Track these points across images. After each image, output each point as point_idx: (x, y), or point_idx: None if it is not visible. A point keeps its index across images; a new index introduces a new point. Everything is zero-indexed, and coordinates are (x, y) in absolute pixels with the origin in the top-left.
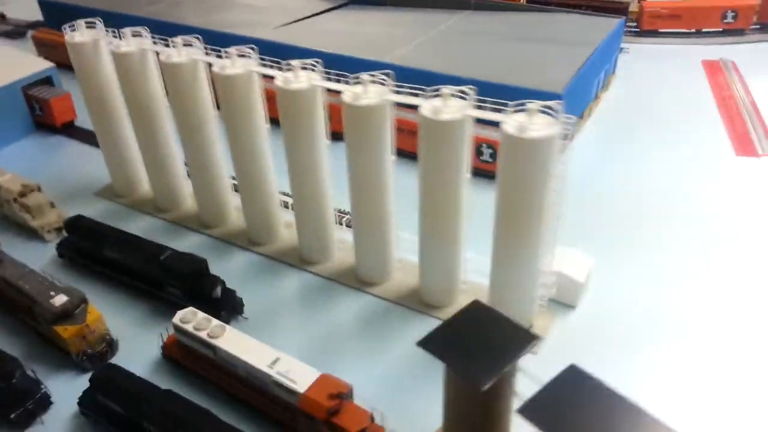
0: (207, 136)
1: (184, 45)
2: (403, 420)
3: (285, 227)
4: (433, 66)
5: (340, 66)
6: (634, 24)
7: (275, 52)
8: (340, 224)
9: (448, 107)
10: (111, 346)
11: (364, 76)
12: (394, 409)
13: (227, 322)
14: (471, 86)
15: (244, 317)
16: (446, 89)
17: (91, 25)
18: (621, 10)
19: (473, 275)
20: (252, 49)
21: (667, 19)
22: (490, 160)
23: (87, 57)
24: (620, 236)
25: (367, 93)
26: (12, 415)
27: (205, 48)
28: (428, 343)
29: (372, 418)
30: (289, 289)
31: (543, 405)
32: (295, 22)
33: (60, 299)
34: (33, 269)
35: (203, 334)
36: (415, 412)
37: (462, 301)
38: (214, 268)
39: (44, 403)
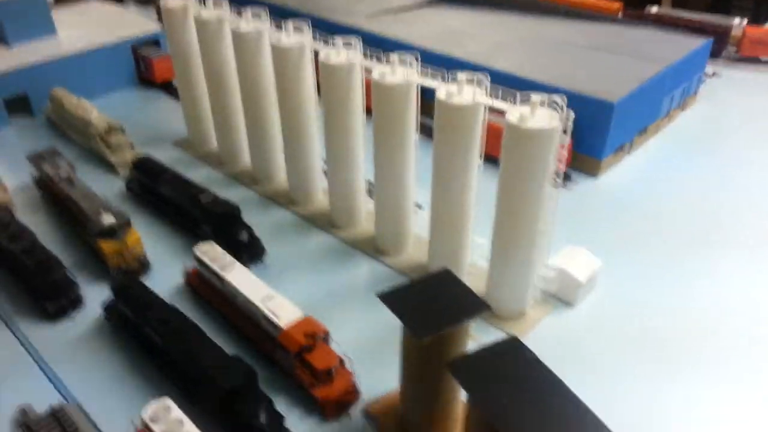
0: (305, 118)
1: (295, 29)
2: (374, 372)
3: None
4: (498, 64)
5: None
6: (735, 49)
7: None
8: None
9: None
10: (144, 266)
11: (461, 75)
12: (368, 362)
13: (247, 264)
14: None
15: (263, 264)
16: (536, 96)
17: None
18: (720, 33)
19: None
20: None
21: None
22: None
23: (176, 22)
24: (648, 249)
25: (461, 92)
26: (49, 306)
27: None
28: (387, 297)
29: (341, 362)
30: (321, 254)
31: (471, 364)
32: (386, 13)
33: (108, 218)
34: (95, 193)
35: (215, 266)
36: (387, 368)
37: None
38: (257, 219)
39: (77, 302)
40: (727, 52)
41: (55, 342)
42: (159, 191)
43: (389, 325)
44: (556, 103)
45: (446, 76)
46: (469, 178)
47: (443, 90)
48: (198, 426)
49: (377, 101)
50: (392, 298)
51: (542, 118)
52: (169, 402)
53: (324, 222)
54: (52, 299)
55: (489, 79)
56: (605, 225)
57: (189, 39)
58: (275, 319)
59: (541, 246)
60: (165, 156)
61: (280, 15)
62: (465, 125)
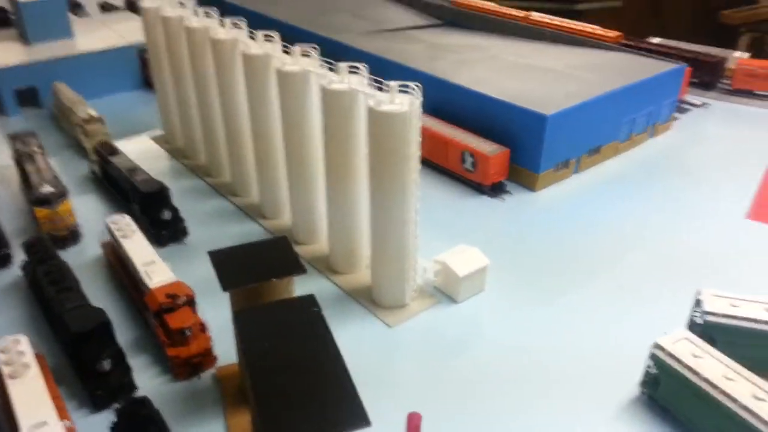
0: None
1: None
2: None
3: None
4: (462, 81)
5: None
6: (728, 81)
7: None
8: None
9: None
10: (74, 235)
11: (342, 64)
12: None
13: (165, 242)
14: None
15: (183, 243)
16: (393, 83)
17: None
18: (714, 65)
19: None
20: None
21: (763, 80)
22: (471, 168)
23: (151, 23)
24: (555, 267)
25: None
26: None
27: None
28: (217, 253)
29: (202, 328)
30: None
31: (254, 315)
32: (384, 31)
33: (46, 188)
34: (50, 169)
35: (118, 234)
36: None
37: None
38: (196, 207)
39: (4, 259)
40: (722, 84)
41: None
42: (109, 172)
43: None
44: (412, 89)
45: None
46: (352, 167)
47: (327, 80)
48: (50, 364)
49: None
50: (219, 256)
51: (400, 103)
52: (21, 338)
53: (256, 213)
54: None
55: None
56: (524, 237)
57: (177, 49)
58: (147, 280)
59: (413, 235)
60: (135, 147)
61: (265, 26)
62: (344, 110)
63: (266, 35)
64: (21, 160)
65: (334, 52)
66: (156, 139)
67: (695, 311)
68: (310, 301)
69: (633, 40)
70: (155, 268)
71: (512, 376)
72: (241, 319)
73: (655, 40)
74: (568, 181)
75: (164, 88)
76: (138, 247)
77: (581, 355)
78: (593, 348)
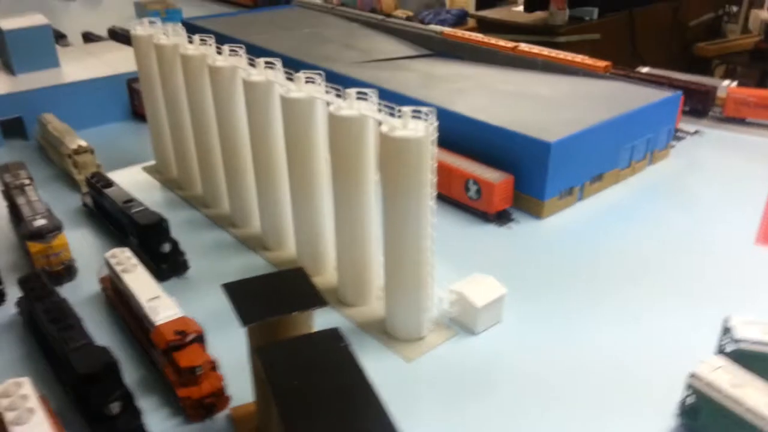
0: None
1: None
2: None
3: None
4: (455, 107)
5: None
6: (720, 109)
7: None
8: None
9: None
10: (69, 270)
11: (351, 91)
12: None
13: (166, 276)
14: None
15: (185, 277)
16: (406, 108)
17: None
18: (706, 94)
19: None
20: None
21: (754, 108)
22: (476, 197)
23: (144, 51)
24: (570, 292)
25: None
26: None
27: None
28: (232, 286)
29: (213, 366)
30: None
31: (280, 350)
32: (372, 61)
33: (40, 222)
34: (42, 202)
35: (119, 268)
36: None
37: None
38: (194, 239)
39: None
40: (713, 112)
41: None
42: (102, 204)
43: None
44: (425, 114)
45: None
46: (360, 192)
47: (335, 106)
48: (54, 407)
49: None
50: (234, 288)
51: (413, 129)
52: (23, 380)
53: (258, 244)
54: None
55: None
56: (535, 264)
57: (172, 77)
58: (152, 316)
59: (429, 265)
60: (128, 178)
61: (258, 56)
62: (354, 136)
63: (267, 62)
64: (10, 192)
65: (329, 81)
66: (148, 170)
67: (724, 339)
68: (335, 335)
69: (623, 70)
70: (160, 303)
71: (537, 410)
72: (266, 354)
73: (644, 69)
74: (573, 208)
75: (157, 117)
76: (140, 282)
77: (608, 385)
78: (619, 377)
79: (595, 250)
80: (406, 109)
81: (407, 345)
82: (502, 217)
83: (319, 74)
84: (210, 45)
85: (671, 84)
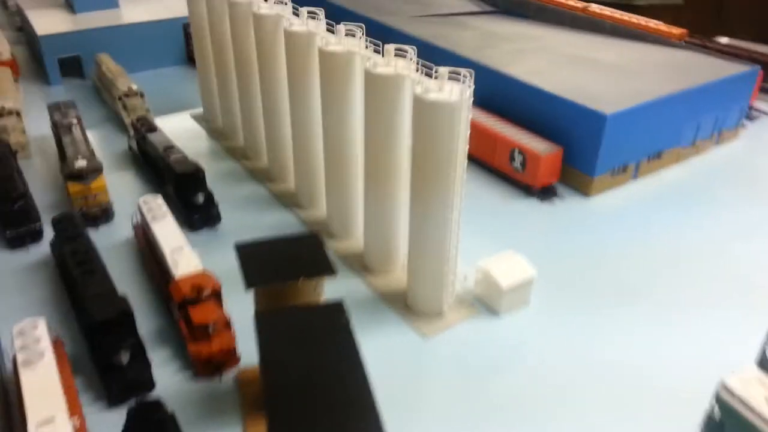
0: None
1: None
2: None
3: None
4: (515, 72)
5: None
6: None
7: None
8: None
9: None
10: (106, 213)
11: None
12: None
13: (197, 227)
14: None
15: (216, 229)
16: (444, 69)
17: None
18: None
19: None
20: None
21: None
22: (521, 168)
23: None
24: (607, 286)
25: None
26: (7, 233)
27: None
28: (244, 247)
29: (227, 324)
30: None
31: (278, 318)
32: (431, 16)
33: (81, 163)
34: (87, 142)
35: (149, 216)
36: None
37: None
38: (231, 191)
39: (35, 234)
40: None
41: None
42: (146, 149)
43: None
44: (463, 77)
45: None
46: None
47: (371, 62)
48: (69, 351)
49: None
50: (247, 250)
51: (448, 92)
52: (40, 321)
53: (292, 201)
54: (11, 227)
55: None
56: (575, 248)
57: (219, 24)
58: (172, 268)
59: (453, 238)
60: (176, 124)
61: (312, 4)
62: (389, 97)
63: (310, 12)
64: (58, 131)
65: (380, 35)
66: (196, 118)
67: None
68: (338, 308)
69: (699, 39)
70: (183, 255)
71: (550, 404)
72: (263, 321)
73: (723, 39)
74: (626, 187)
75: (205, 64)
76: (167, 231)
77: (630, 386)
78: (643, 378)
79: (642, 238)
80: (443, 70)
81: (425, 320)
82: (546, 193)
83: (360, 27)
84: None
85: (752, 57)
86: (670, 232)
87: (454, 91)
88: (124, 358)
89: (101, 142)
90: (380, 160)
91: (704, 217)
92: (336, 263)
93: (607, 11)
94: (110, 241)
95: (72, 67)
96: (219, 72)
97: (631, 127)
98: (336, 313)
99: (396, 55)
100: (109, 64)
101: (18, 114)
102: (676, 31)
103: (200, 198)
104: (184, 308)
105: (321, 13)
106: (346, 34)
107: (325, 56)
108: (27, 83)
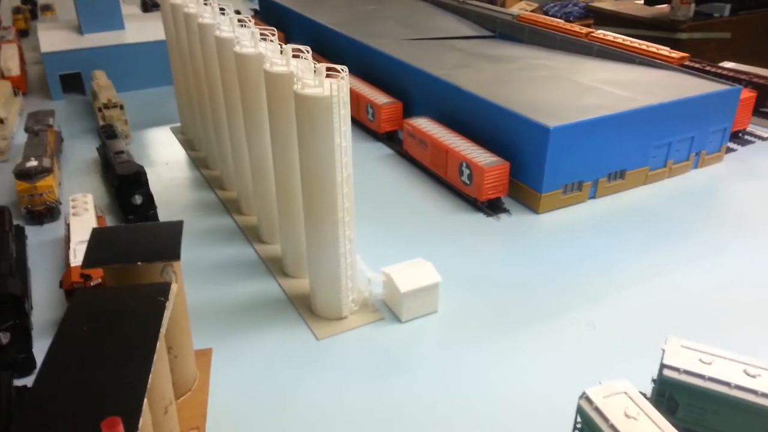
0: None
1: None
2: None
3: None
4: (465, 84)
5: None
6: None
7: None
8: None
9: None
10: (51, 211)
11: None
12: None
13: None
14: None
15: None
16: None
17: None
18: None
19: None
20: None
21: None
22: (468, 182)
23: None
24: (534, 306)
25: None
26: None
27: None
28: (102, 230)
29: None
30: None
31: (94, 298)
32: (421, 39)
33: (31, 163)
34: (48, 146)
35: (71, 210)
36: None
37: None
38: (183, 198)
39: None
40: None
41: None
42: (104, 154)
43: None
44: (338, 71)
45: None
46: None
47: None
48: None
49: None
50: (103, 233)
51: (325, 87)
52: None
53: (234, 209)
54: None
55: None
56: (506, 262)
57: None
58: (71, 257)
59: (346, 238)
60: (152, 137)
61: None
62: (283, 94)
63: (263, 33)
64: (28, 134)
65: (359, 54)
66: (174, 130)
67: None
68: (160, 289)
69: (700, 63)
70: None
71: (432, 413)
72: (81, 296)
73: (729, 65)
74: (581, 206)
75: (179, 80)
76: (82, 226)
77: (519, 402)
78: (535, 393)
79: (584, 257)
80: (321, 66)
81: (325, 323)
82: (493, 207)
83: (307, 48)
84: (228, 14)
85: (749, 81)
86: (619, 257)
87: (328, 86)
88: (4, 339)
89: (81, 149)
90: (283, 158)
91: (665, 243)
92: (258, 265)
93: (611, 36)
94: (48, 238)
95: (73, 83)
96: (185, 89)
97: (582, 142)
98: (156, 293)
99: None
100: (100, 79)
101: (2, 121)
102: (676, 55)
103: (137, 199)
104: (71, 295)
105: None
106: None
107: (269, 78)
108: (33, 98)
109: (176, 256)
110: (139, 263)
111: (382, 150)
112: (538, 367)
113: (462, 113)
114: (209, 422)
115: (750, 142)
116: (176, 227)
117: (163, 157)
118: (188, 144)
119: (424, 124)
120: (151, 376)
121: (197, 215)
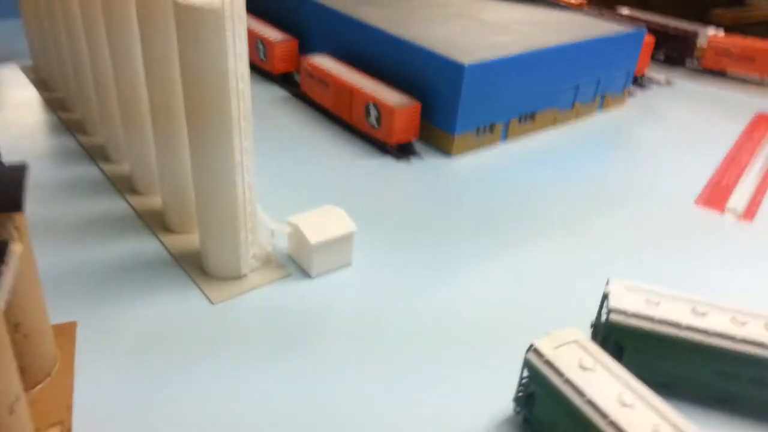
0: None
1: None
2: None
3: None
4: (370, 20)
5: None
6: (698, 59)
7: None
8: None
9: None
10: None
11: None
12: None
13: None
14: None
15: None
16: None
17: None
18: (686, 40)
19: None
20: None
21: (736, 60)
22: (376, 124)
23: None
24: (458, 252)
25: None
26: None
27: None
28: None
29: None
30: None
31: None
32: None
33: None
34: None
35: None
36: None
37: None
38: (30, 143)
39: None
40: (691, 62)
41: None
42: None
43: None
44: None
45: None
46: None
47: None
48: None
49: None
50: None
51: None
52: None
53: (100, 156)
54: None
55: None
56: (422, 207)
57: None
58: None
59: (245, 185)
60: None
61: None
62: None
63: None
64: None
65: None
66: (24, 69)
67: (602, 308)
68: None
69: (599, 8)
70: None
71: (352, 366)
72: None
73: (625, 11)
74: (494, 149)
75: (25, 4)
76: None
77: (453, 358)
78: (468, 346)
79: (502, 195)
80: None
81: (219, 284)
82: (404, 151)
83: None
84: None
85: (648, 26)
86: (535, 193)
87: None
88: None
89: None
90: (159, 92)
91: (571, 178)
92: (134, 220)
93: None
94: None
95: None
96: (35, 17)
97: (496, 81)
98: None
99: None
100: None
101: None
102: (575, 0)
103: None
104: None
105: None
106: None
107: None
108: None
109: (17, 206)
110: None
111: (277, 92)
112: (466, 320)
113: (366, 52)
114: (76, 414)
115: (648, 87)
116: (17, 171)
117: (10, 99)
118: (42, 84)
119: (325, 62)
120: None
121: (54, 165)
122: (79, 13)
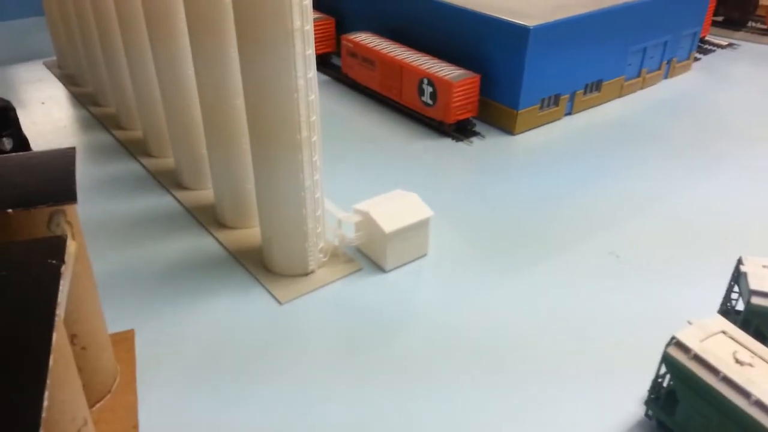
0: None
1: None
2: None
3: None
4: None
5: None
6: (761, 21)
7: None
8: None
9: None
10: None
11: None
12: None
13: None
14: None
15: None
16: None
17: None
18: (747, 1)
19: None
20: None
21: None
22: (431, 102)
23: None
24: (538, 239)
25: None
26: None
27: None
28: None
29: None
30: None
31: None
32: None
33: None
34: None
35: None
36: None
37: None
38: (61, 138)
39: None
40: (753, 23)
41: None
42: None
43: None
44: None
45: None
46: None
47: None
48: None
49: None
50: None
51: None
52: None
53: (139, 150)
54: None
55: None
56: (492, 192)
57: None
58: None
59: (313, 167)
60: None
61: None
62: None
63: None
64: None
65: None
66: (48, 65)
67: (733, 291)
68: (50, 247)
69: None
70: None
71: (444, 383)
72: None
73: None
74: (558, 124)
75: (49, 3)
76: None
77: (558, 349)
78: (572, 338)
79: (574, 178)
80: None
81: (285, 282)
82: (462, 130)
83: None
84: None
85: None
86: (610, 174)
87: None
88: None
89: None
90: (215, 94)
91: (653, 155)
92: (185, 217)
93: None
94: None
95: None
96: (60, 15)
97: (563, 45)
98: (48, 253)
99: None
100: None
101: None
102: None
103: (6, 144)
104: None
105: None
106: None
107: None
108: None
109: (70, 197)
110: (10, 211)
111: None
112: (567, 307)
113: (414, 25)
114: None
115: (711, 51)
116: (66, 156)
117: (38, 96)
118: (68, 79)
119: (368, 39)
120: (47, 392)
121: (92, 161)
122: (115, 13)
